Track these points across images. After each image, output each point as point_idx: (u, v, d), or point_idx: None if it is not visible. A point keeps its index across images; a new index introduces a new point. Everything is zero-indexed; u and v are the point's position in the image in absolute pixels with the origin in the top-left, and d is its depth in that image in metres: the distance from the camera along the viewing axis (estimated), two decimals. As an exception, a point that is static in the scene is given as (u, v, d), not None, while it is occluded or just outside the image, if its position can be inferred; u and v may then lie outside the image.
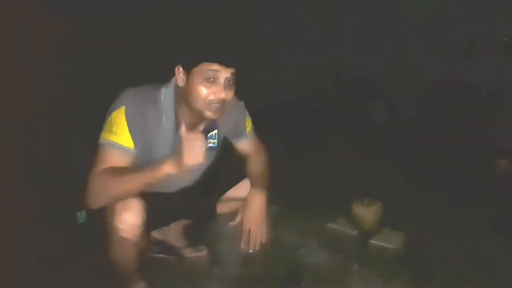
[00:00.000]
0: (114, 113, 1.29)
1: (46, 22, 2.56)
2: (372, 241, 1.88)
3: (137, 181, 1.24)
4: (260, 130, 1.62)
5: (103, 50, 2.84)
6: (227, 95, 1.30)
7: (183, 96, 1.33)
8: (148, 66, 2.32)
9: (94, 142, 1.30)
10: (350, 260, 1.72)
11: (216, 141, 1.48)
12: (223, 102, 1.30)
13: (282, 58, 3.48)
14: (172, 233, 1.73)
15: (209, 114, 1.31)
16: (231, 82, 1.31)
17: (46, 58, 2.57)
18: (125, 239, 1.28)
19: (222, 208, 1.63)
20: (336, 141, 3.01)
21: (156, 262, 1.67)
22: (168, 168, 1.22)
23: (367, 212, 1.98)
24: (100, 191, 1.25)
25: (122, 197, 1.26)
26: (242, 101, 1.54)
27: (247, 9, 3.34)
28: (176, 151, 1.22)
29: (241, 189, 1.58)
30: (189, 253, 1.72)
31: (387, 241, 1.87)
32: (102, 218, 1.30)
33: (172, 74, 1.34)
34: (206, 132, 1.43)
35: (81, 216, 1.40)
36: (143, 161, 1.31)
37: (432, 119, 3.13)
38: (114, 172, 1.24)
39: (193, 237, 1.75)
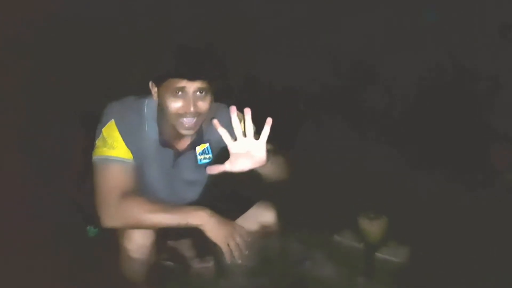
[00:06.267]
0: (105, 128, 1.28)
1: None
2: (378, 255, 1.88)
3: (166, 221, 1.24)
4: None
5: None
6: (199, 106, 1.25)
7: (160, 111, 1.32)
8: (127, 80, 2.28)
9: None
10: (356, 273, 1.71)
11: (210, 155, 1.47)
12: (196, 115, 1.26)
13: (280, 44, 3.33)
14: (183, 242, 1.76)
15: (183, 131, 1.28)
16: (203, 93, 1.25)
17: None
18: (133, 258, 1.31)
19: None
20: (341, 144, 2.97)
21: (164, 270, 1.67)
22: (202, 220, 1.23)
23: (372, 226, 1.98)
24: (121, 218, 1.22)
25: (144, 228, 1.28)
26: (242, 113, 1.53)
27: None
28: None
29: (246, 219, 1.57)
30: (196, 263, 1.74)
31: (393, 255, 1.86)
32: (113, 232, 1.32)
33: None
34: (194, 144, 1.43)
35: (91, 230, 1.42)
36: (138, 173, 1.32)
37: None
38: (141, 203, 1.23)
39: (201, 248, 1.77)
